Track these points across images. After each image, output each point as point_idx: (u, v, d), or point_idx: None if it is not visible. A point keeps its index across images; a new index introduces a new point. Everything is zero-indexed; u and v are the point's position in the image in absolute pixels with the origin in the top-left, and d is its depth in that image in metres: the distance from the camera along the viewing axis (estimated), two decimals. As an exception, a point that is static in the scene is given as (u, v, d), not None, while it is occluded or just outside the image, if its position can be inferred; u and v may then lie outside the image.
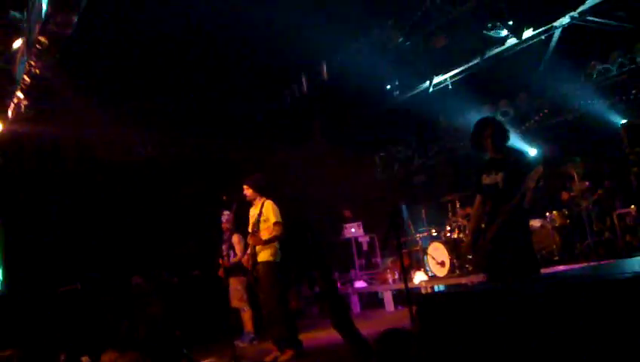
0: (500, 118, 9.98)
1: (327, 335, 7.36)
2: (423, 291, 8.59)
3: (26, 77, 7.64)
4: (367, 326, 6.64)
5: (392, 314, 8.94)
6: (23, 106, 8.20)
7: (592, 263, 6.92)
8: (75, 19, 6.66)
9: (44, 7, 6.53)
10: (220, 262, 7.32)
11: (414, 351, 2.49)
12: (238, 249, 7.43)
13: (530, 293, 2.35)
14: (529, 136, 9.91)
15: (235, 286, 7.54)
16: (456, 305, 2.63)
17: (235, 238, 7.50)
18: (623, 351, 2.07)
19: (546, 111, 9.55)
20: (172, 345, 6.43)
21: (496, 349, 2.36)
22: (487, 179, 4.27)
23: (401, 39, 8.86)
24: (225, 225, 7.71)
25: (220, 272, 7.17)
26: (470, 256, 6.92)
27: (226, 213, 7.57)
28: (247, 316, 7.57)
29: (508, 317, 2.37)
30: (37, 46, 7.10)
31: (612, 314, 2.14)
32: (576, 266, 7.06)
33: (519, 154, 4.42)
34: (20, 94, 7.97)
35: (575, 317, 2.16)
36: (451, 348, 2.55)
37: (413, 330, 2.68)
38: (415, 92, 10.61)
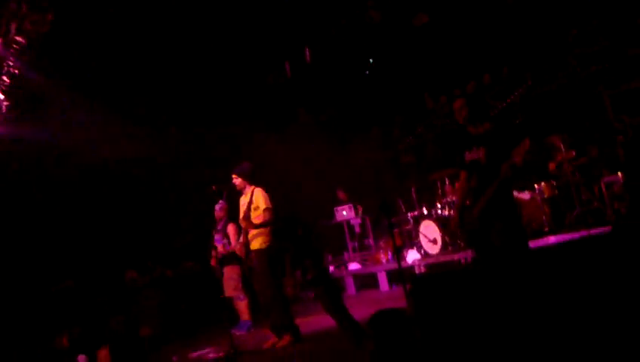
0: (484, 91, 10.04)
1: (323, 319, 7.43)
2: (417, 270, 8.66)
3: (5, 77, 7.56)
4: (363, 307, 6.70)
5: (387, 294, 9.02)
6: (4, 107, 8.12)
7: (582, 232, 6.99)
8: (51, 17, 6.58)
9: (20, 6, 6.44)
10: (212, 252, 7.35)
11: (408, 330, 2.53)
12: (234, 238, 7.44)
13: (515, 270, 2.38)
14: (513, 108, 9.94)
15: (230, 275, 7.56)
16: (446, 283, 2.67)
17: (231, 228, 7.50)
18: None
19: (529, 83, 9.57)
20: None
21: (487, 325, 2.40)
22: (469, 155, 4.27)
23: (381, 18, 8.83)
24: (219, 214, 7.71)
25: (213, 262, 7.18)
26: (459, 233, 6.97)
27: (221, 201, 7.56)
28: (243, 304, 7.61)
29: (495, 293, 2.41)
30: (14, 46, 7.02)
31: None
32: (566, 236, 7.15)
33: (501, 127, 4.40)
34: (0, 95, 7.89)
35: (559, 289, 2.20)
36: (444, 326, 2.59)
37: (406, 310, 2.72)
38: (397, 71, 10.63)
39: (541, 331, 2.38)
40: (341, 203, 11.25)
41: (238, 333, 7.31)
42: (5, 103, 8.08)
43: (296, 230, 5.59)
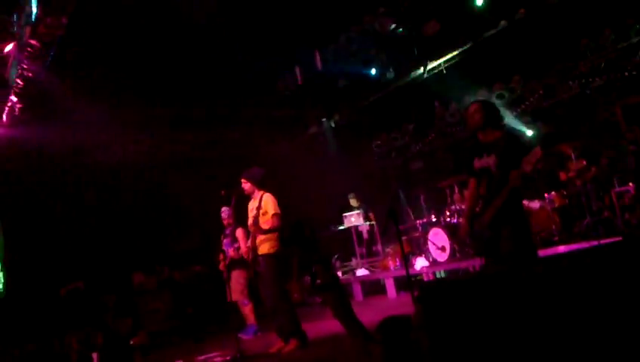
0: (495, 101, 10.00)
1: (330, 324, 7.42)
2: (425, 277, 8.63)
3: (18, 80, 7.64)
4: (370, 313, 6.68)
5: (394, 300, 9.00)
6: (17, 109, 8.21)
7: (592, 243, 6.94)
8: (66, 20, 6.65)
9: (34, 9, 6.52)
10: (220, 256, 7.36)
11: (415, 336, 2.52)
12: (243, 243, 7.45)
13: (524, 279, 2.37)
14: (524, 117, 9.92)
15: (237, 280, 7.57)
16: (454, 291, 2.66)
17: (240, 233, 7.52)
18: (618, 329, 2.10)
19: (540, 92, 9.54)
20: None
21: (495, 333, 2.39)
22: (479, 163, 4.24)
23: (393, 26, 8.86)
24: (227, 221, 7.75)
25: (221, 266, 7.20)
26: (467, 241, 6.94)
27: (225, 208, 7.59)
28: (248, 309, 7.61)
29: (504, 302, 2.40)
30: (28, 49, 7.10)
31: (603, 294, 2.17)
32: (575, 246, 7.10)
33: (512, 135, 4.36)
34: (13, 98, 7.98)
35: (568, 299, 2.19)
36: (451, 333, 2.58)
37: (413, 316, 2.71)
38: (409, 78, 10.64)
39: (549, 340, 2.36)
40: (351, 209, 11.24)
41: (244, 337, 7.31)
42: (18, 106, 8.16)
43: (304, 233, 5.60)
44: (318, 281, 5.49)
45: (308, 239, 5.77)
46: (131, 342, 6.78)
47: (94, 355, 6.58)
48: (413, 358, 2.51)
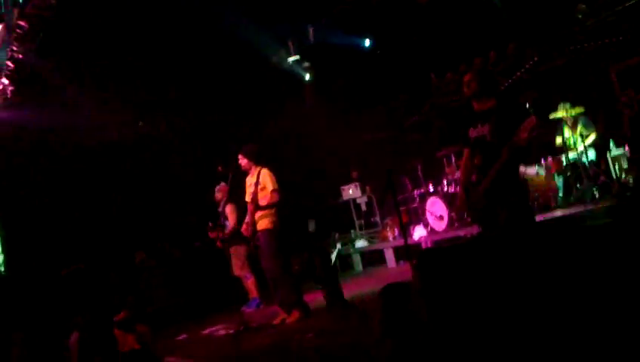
0: (490, 69, 9.95)
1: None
2: (423, 246, 8.70)
3: (9, 62, 7.58)
4: (370, 283, 6.77)
5: (394, 270, 9.10)
6: (9, 92, 8.15)
7: (588, 207, 7.00)
8: (55, 1, 6.57)
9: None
10: (210, 234, 7.45)
11: (413, 302, 2.57)
12: (231, 218, 7.51)
13: (517, 243, 2.40)
14: (520, 84, 9.87)
15: (236, 255, 7.63)
16: (451, 257, 2.70)
17: (228, 208, 7.57)
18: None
19: (535, 59, 9.48)
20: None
21: (491, 297, 2.43)
22: (474, 132, 4.25)
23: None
24: (217, 196, 7.78)
25: (218, 244, 7.26)
26: (465, 210, 6.99)
27: (222, 185, 7.63)
28: (250, 283, 7.69)
29: (499, 266, 2.44)
30: (17, 30, 7.03)
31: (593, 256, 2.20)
32: (573, 211, 7.16)
33: (507, 104, 4.36)
34: (4, 80, 7.92)
35: (561, 262, 2.22)
36: (448, 298, 2.62)
37: (412, 283, 2.75)
38: (402, 48, 10.56)
39: (546, 302, 2.40)
40: (349, 182, 11.26)
41: (247, 310, 7.41)
42: (10, 88, 8.11)
43: (307, 226, 5.72)
44: (317, 273, 5.64)
45: (309, 231, 5.89)
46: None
47: (73, 335, 6.62)
48: (411, 323, 2.56)
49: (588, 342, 2.16)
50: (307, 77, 11.37)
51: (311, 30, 9.75)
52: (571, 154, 8.34)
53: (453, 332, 2.47)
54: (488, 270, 2.42)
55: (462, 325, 2.48)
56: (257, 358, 4.89)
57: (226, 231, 7.55)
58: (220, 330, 6.60)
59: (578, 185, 8.08)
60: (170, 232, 10.19)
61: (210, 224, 7.56)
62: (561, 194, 8.11)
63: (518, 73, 9.95)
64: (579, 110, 8.20)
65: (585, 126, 8.16)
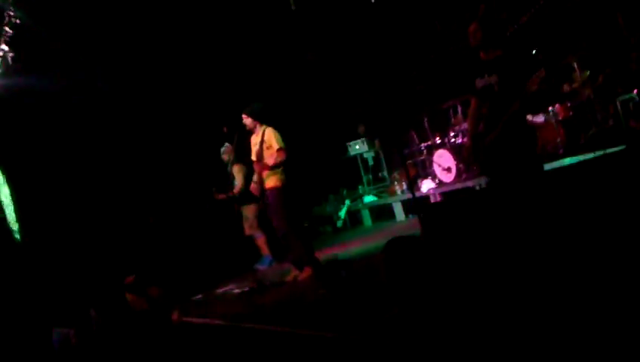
0: (496, 16, 9.72)
1: (341, 249, 7.61)
2: (432, 199, 8.73)
3: (7, 28, 7.48)
4: (379, 237, 6.82)
5: (403, 224, 9.16)
6: (9, 58, 8.08)
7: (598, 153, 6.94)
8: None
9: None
10: (217, 196, 7.51)
11: (421, 255, 2.59)
12: (239, 178, 7.54)
13: (528, 192, 2.39)
14: (527, 30, 9.65)
15: (246, 214, 7.71)
16: (458, 209, 2.71)
17: (235, 168, 7.60)
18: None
19: (541, 1, 9.23)
20: None
21: (497, 251, 2.44)
22: (481, 82, 4.20)
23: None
24: (224, 157, 7.79)
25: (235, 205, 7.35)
26: (472, 161, 6.97)
27: (227, 145, 7.62)
28: (261, 241, 7.79)
29: (508, 217, 2.44)
30: (13, -6, 6.91)
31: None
32: (581, 157, 7.11)
33: (514, 53, 4.28)
34: (4, 47, 7.84)
35: (571, 209, 2.21)
36: (456, 252, 2.65)
37: (420, 236, 2.77)
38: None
39: (554, 252, 2.40)
40: (356, 137, 11.22)
41: (260, 268, 7.53)
42: (10, 54, 8.03)
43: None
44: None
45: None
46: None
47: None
48: (417, 277, 2.58)
49: (597, 299, 2.16)
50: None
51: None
52: (579, 100, 8.23)
53: (461, 286, 2.50)
54: (497, 221, 2.43)
55: (469, 279, 2.51)
56: (272, 314, 4.99)
57: (235, 190, 7.59)
58: (234, 289, 6.73)
59: (587, 132, 8.01)
60: (182, 195, 10.24)
61: (214, 188, 7.59)
62: (568, 141, 8.05)
63: (524, 18, 9.72)
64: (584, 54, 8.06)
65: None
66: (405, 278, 2.54)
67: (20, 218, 8.67)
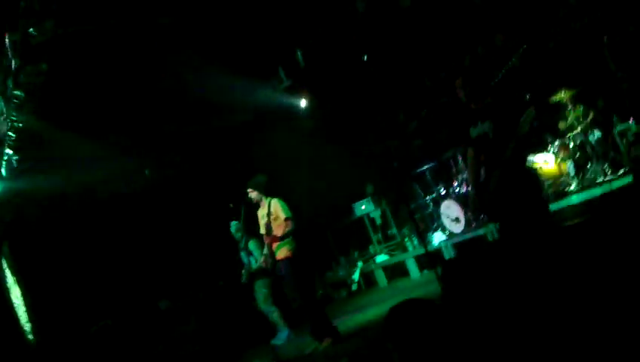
0: (480, 63, 9.96)
1: (359, 316, 7.45)
2: (445, 251, 8.62)
3: (10, 133, 7.67)
4: (396, 298, 6.68)
5: (418, 281, 9.01)
6: (14, 161, 8.25)
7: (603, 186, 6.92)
8: (45, 66, 6.67)
9: (13, 61, 6.53)
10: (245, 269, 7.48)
11: (432, 320, 2.45)
12: (258, 252, 7.48)
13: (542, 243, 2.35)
14: (513, 74, 9.85)
15: (260, 289, 7.60)
16: (477, 264, 2.66)
17: (252, 243, 7.55)
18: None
19: (525, 46, 9.46)
20: None
21: (520, 300, 2.38)
22: (474, 131, 4.25)
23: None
24: (237, 235, 7.80)
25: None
26: (479, 210, 6.94)
27: (234, 222, 7.64)
28: (276, 315, 7.62)
29: (525, 269, 2.39)
30: (14, 100, 7.12)
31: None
32: (587, 193, 7.08)
33: (503, 97, 4.35)
34: (8, 151, 8.01)
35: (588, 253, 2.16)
36: (479, 307, 2.58)
37: (425, 299, 2.64)
38: (393, 57, 10.57)
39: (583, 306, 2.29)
40: (360, 198, 11.23)
41: (278, 344, 7.34)
42: (15, 158, 8.20)
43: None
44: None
45: None
46: None
47: None
48: (433, 344, 2.40)
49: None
50: (302, 102, 11.39)
51: (300, 54, 9.79)
52: (577, 136, 8.28)
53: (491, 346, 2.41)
54: (515, 274, 2.37)
55: (495, 337, 2.42)
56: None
57: (254, 266, 7.50)
58: (255, 368, 6.55)
59: (589, 166, 8.01)
60: (191, 276, 10.17)
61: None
62: (573, 178, 8.04)
63: (510, 63, 9.94)
64: (575, 91, 8.19)
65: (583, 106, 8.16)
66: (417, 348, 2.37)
67: (31, 318, 8.58)
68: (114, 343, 8.61)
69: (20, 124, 7.66)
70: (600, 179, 7.39)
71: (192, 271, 10.25)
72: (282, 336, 7.61)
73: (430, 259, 4.80)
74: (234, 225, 7.72)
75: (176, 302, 9.48)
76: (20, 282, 8.79)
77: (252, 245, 7.50)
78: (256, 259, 7.44)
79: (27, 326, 8.55)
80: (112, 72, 8.07)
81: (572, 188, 7.83)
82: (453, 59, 10.15)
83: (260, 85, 10.57)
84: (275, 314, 7.62)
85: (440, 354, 2.33)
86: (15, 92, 7.01)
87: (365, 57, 10.12)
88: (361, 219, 11.19)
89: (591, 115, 8.29)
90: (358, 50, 10.19)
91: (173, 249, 10.25)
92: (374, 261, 10.56)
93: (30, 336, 8.54)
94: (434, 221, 9.82)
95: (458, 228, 8.75)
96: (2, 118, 7.32)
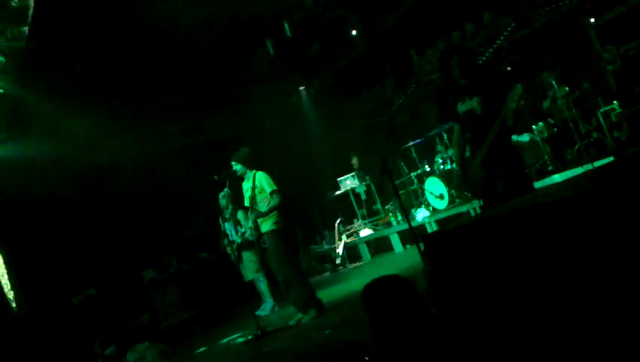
0: (469, 41, 9.95)
1: (343, 288, 7.55)
2: (428, 227, 8.74)
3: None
4: (378, 272, 6.76)
5: (401, 255, 9.13)
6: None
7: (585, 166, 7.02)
8: (26, 30, 6.53)
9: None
10: (226, 239, 7.45)
11: (408, 296, 2.51)
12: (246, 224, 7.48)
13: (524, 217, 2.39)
14: (501, 52, 9.87)
15: (249, 259, 7.63)
16: (459, 239, 2.70)
17: (241, 213, 7.54)
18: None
19: (513, 25, 9.47)
20: None
21: (503, 275, 2.42)
22: (462, 107, 4.27)
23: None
24: (222, 202, 7.76)
25: (228, 250, 7.28)
26: (464, 186, 7.01)
27: (226, 190, 7.59)
28: (263, 286, 7.70)
29: (508, 244, 2.43)
30: (-5, 66, 6.98)
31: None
32: (570, 172, 7.18)
33: (491, 75, 4.36)
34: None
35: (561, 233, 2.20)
36: (462, 281, 2.63)
37: (398, 276, 2.69)
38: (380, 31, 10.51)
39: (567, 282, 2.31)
40: (348, 171, 11.25)
41: (262, 315, 7.43)
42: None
43: None
44: None
45: None
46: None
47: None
48: (409, 319, 2.47)
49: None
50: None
51: (286, 24, 9.67)
52: (560, 116, 8.37)
53: (470, 320, 2.46)
54: (498, 248, 2.42)
55: (479, 310, 2.47)
56: (280, 361, 4.91)
57: (241, 236, 7.49)
58: (238, 338, 6.62)
59: (572, 145, 8.13)
60: (177, 247, 10.19)
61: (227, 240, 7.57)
62: (556, 157, 8.15)
63: (498, 41, 9.95)
64: (560, 71, 8.26)
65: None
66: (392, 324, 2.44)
67: (14, 287, 8.55)
68: (97, 313, 8.64)
69: (1, 90, 7.52)
70: (584, 159, 7.50)
71: (176, 242, 10.26)
72: (267, 307, 7.70)
73: (413, 235, 4.85)
74: (222, 193, 7.68)
75: (161, 273, 9.51)
76: (2, 250, 8.73)
77: (240, 215, 7.50)
78: (243, 229, 7.42)
79: (10, 295, 8.53)
80: (101, 36, 7.92)
81: (555, 167, 7.95)
82: (442, 35, 10.13)
83: (246, 57, 10.47)
84: (263, 284, 7.68)
85: (410, 327, 2.40)
86: (-5, 57, 6.87)
87: (354, 32, 10.08)
88: (346, 193, 11.25)
89: (575, 95, 8.37)
90: (346, 24, 10.14)
91: (158, 219, 10.24)
92: (358, 235, 10.67)
93: (13, 304, 8.53)
94: (418, 197, 9.92)
95: (442, 204, 8.85)
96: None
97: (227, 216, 7.78)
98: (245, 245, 7.52)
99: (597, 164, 6.57)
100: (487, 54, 9.80)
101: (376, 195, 11.16)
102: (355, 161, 11.33)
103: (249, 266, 7.64)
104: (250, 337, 6.12)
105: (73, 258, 9.08)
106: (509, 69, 9.44)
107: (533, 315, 2.27)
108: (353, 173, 11.09)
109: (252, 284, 7.79)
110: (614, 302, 2.07)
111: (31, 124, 8.62)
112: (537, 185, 6.64)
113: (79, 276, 8.98)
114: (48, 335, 8.10)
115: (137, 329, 8.43)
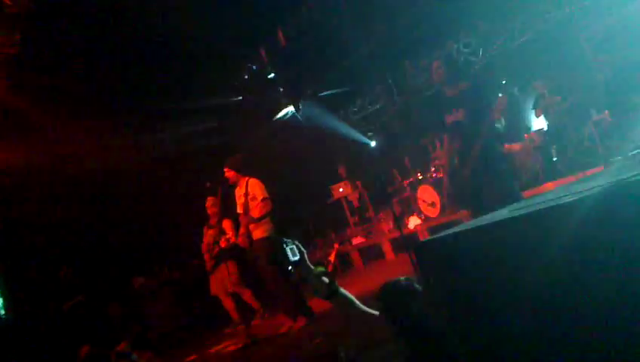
0: (463, 50, 10.00)
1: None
2: (420, 235, 8.73)
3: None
4: (371, 279, 6.76)
5: (393, 262, 9.12)
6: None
7: (578, 175, 7.04)
8: (19, 36, 6.52)
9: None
10: (205, 247, 7.39)
11: (415, 297, 2.54)
12: (231, 233, 7.41)
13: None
14: (494, 62, 9.93)
15: (231, 270, 7.46)
16: (449, 246, 2.69)
17: (227, 223, 7.48)
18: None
19: (503, 37, 9.54)
20: None
21: (495, 281, 2.41)
22: (450, 118, 4.28)
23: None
24: (212, 210, 7.66)
25: (208, 266, 7.24)
26: (453, 195, 7.02)
27: (210, 198, 7.55)
28: (247, 296, 7.56)
29: (494, 252, 2.42)
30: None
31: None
32: (562, 182, 7.20)
33: (477, 86, 4.38)
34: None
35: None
36: (453, 288, 2.61)
37: (413, 277, 2.73)
38: (376, 40, 10.54)
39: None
40: (338, 180, 11.26)
41: (252, 323, 7.37)
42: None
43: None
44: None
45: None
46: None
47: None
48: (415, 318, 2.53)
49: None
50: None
51: (281, 34, 9.68)
52: (552, 125, 8.41)
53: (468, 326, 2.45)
54: (484, 259, 2.41)
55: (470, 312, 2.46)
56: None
57: (228, 244, 7.41)
58: (229, 346, 6.57)
59: (565, 155, 8.15)
60: (167, 255, 10.14)
61: (205, 248, 7.47)
62: (547, 166, 8.18)
63: (491, 50, 10.01)
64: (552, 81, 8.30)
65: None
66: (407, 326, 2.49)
67: (3, 294, 8.48)
68: (87, 320, 8.57)
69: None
70: (576, 168, 7.53)
71: (167, 250, 10.21)
72: (256, 316, 7.64)
73: (405, 242, 4.84)
74: (211, 200, 7.61)
75: (151, 280, 9.45)
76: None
77: (227, 224, 7.45)
78: (229, 239, 7.31)
79: (-1, 302, 8.46)
80: (92, 43, 7.91)
81: (546, 176, 7.98)
82: (437, 45, 10.16)
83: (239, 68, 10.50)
84: (246, 295, 7.60)
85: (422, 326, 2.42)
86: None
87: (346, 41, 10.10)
88: (338, 200, 11.24)
89: (567, 105, 8.41)
90: (340, 34, 10.16)
91: (149, 226, 10.19)
92: (351, 243, 10.65)
93: (2, 311, 8.46)
94: (410, 205, 9.93)
95: (434, 212, 8.86)
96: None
97: (213, 224, 7.68)
98: (226, 255, 7.34)
99: (588, 172, 6.61)
100: (479, 64, 9.87)
101: (367, 203, 11.16)
102: (342, 171, 11.34)
103: (232, 278, 7.42)
104: (240, 345, 6.08)
105: (62, 264, 9.01)
106: (504, 82, 9.44)
107: (523, 321, 2.27)
108: (345, 181, 11.09)
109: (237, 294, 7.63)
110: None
111: (25, 129, 8.58)
112: (528, 194, 6.66)
113: (69, 283, 8.91)
114: (36, 341, 8.02)
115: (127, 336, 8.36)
